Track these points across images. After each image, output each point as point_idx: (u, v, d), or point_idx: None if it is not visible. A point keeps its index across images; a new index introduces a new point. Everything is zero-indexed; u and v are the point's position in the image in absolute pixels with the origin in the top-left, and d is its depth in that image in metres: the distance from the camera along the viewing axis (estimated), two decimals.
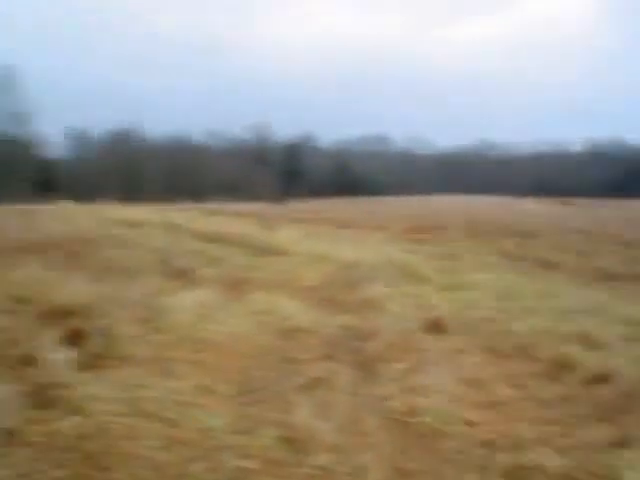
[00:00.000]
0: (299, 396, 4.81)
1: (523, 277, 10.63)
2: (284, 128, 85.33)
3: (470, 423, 4.58)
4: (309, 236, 15.92)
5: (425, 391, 4.97)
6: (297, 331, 6.81)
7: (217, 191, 50.22)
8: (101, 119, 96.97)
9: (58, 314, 6.63)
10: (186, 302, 7.48)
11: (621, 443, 4.38)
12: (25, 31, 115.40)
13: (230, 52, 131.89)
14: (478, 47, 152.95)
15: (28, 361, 5.32)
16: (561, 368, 5.96)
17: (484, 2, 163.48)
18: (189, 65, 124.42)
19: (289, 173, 67.18)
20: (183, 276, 9.59)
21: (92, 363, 5.45)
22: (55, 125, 73.78)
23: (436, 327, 7.00)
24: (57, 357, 5.23)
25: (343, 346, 6.24)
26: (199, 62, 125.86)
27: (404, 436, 4.37)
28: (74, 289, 7.58)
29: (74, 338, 5.86)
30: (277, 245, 13.36)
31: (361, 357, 5.92)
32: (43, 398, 4.58)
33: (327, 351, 6.14)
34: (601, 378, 5.63)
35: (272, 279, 9.90)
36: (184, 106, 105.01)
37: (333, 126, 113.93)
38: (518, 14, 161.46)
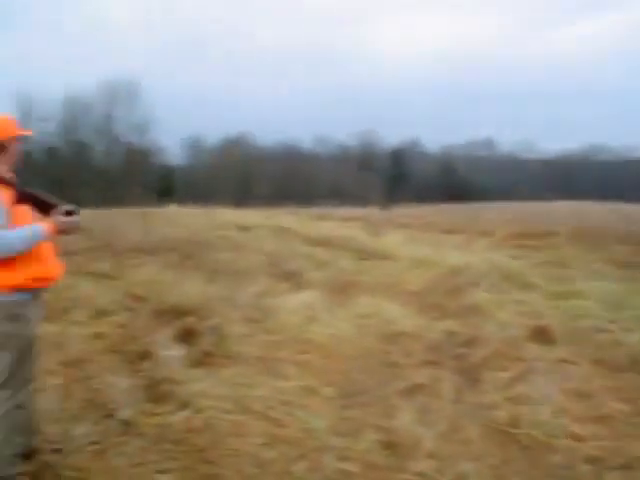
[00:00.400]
0: (401, 401, 4.82)
1: (636, 286, 10.11)
2: (390, 134, 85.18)
3: (577, 437, 4.43)
4: (414, 241, 15.84)
5: (530, 401, 4.85)
6: (400, 335, 6.80)
7: (325, 196, 50.79)
8: (215, 127, 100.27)
9: (172, 313, 6.97)
10: (293, 304, 7.64)
11: None
12: (143, 45, 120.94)
13: (338, 60, 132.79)
14: (586, 48, 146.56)
15: (144, 356, 5.64)
16: None
17: (591, 2, 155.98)
18: (300, 74, 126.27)
19: (395, 178, 67.03)
20: (291, 278, 9.79)
21: (202, 360, 5.69)
22: (173, 134, 77.04)
23: (542, 336, 6.80)
24: (170, 354, 5.50)
25: (446, 352, 6.18)
26: (309, 71, 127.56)
27: (507, 447, 4.28)
28: (187, 289, 7.92)
29: (186, 336, 6.15)
30: (382, 249, 13.37)
31: (464, 364, 5.84)
32: (156, 392, 4.83)
33: (430, 357, 6.11)
34: None
35: (377, 283, 9.93)
36: (294, 114, 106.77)
37: (439, 131, 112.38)
38: (626, 15, 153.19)
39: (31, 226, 3.33)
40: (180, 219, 18.31)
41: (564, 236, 17.32)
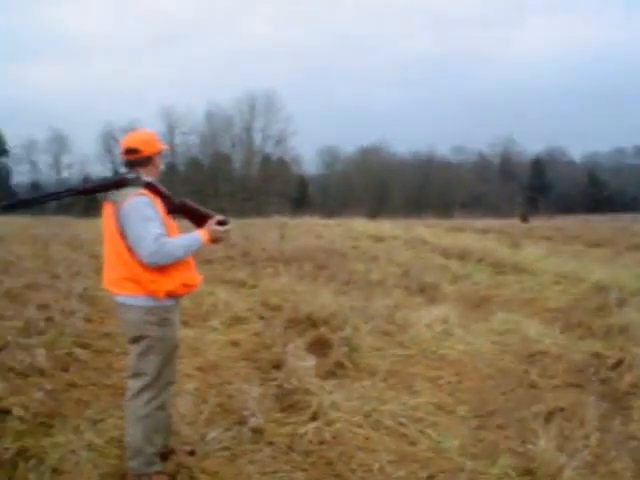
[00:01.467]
0: (539, 425, 4.54)
1: None
2: (531, 141, 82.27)
3: None
4: (556, 254, 15.07)
5: None
6: (540, 355, 6.46)
7: (462, 206, 49.94)
8: (351, 137, 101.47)
9: (306, 322, 7.02)
10: (427, 318, 7.47)
11: None
12: (282, 58, 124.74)
13: (475, 66, 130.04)
14: None
15: (277, 365, 5.70)
16: None
17: None
18: (436, 81, 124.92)
19: (535, 188, 64.55)
20: (425, 291, 9.64)
21: (334, 372, 5.67)
22: (310, 144, 78.71)
23: None
24: (302, 364, 5.50)
25: (591, 375, 5.78)
26: (446, 78, 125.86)
27: None
28: (321, 299, 7.95)
29: (319, 346, 6.15)
30: (521, 263, 12.85)
31: (611, 389, 5.44)
32: (287, 401, 4.86)
33: (573, 379, 5.75)
34: None
35: (515, 298, 9.56)
36: (430, 122, 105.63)
37: (583, 138, 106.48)
38: None
39: (189, 234, 3.47)
40: (315, 229, 18.60)
41: None
